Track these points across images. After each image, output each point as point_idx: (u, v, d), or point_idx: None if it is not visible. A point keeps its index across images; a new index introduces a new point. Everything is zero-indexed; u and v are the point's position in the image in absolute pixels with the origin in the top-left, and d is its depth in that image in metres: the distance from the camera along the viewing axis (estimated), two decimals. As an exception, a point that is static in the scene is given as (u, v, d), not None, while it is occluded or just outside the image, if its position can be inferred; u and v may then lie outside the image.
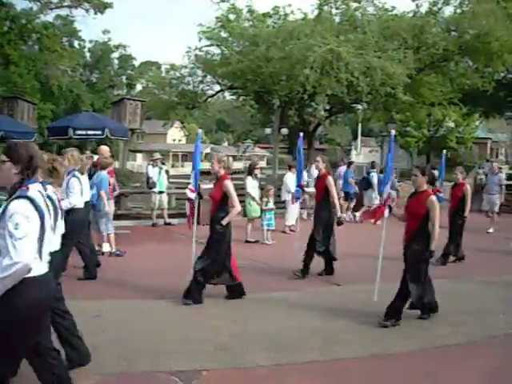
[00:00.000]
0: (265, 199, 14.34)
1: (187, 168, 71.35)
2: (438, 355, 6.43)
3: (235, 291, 8.54)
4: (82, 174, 9.48)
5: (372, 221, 9.37)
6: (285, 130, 31.51)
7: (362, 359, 6.28)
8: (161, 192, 16.60)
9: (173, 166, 64.26)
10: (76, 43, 76.62)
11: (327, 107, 24.09)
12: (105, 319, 7.37)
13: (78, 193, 9.15)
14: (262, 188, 15.21)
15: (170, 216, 17.28)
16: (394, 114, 28.99)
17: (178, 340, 6.64)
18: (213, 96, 32.32)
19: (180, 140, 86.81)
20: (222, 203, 8.30)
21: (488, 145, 48.71)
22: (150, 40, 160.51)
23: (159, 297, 8.29)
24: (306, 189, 12.35)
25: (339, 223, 10.46)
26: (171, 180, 21.07)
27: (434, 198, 7.29)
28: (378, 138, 44.18)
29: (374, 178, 19.20)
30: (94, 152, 19.01)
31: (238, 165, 77.74)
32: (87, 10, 20.45)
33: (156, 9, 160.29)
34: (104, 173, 11.77)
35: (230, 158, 8.88)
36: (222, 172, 8.40)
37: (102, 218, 11.70)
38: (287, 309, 8.09)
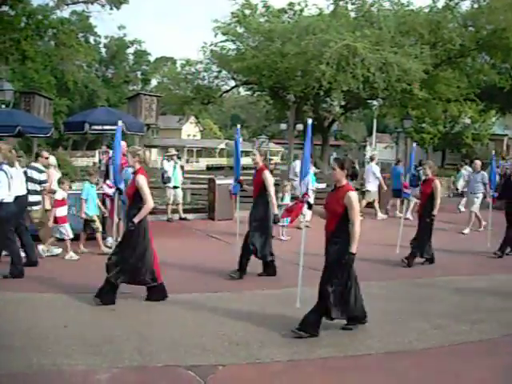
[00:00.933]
0: (280, 195, 14.30)
1: (202, 163, 71.55)
2: (454, 353, 6.40)
3: (156, 293, 8.01)
4: (12, 167, 9.32)
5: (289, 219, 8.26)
6: (300, 126, 31.47)
7: (378, 356, 6.25)
8: (175, 187, 16.60)
9: (188, 162, 64.38)
10: (92, 39, 76.99)
11: (343, 103, 24.06)
12: (120, 313, 7.40)
13: (6, 186, 8.97)
14: (277, 184, 15.09)
15: (185, 211, 17.30)
16: (410, 110, 28.87)
17: (194, 335, 6.65)
18: (228, 91, 32.40)
19: (195, 135, 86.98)
20: (135, 199, 7.84)
21: (504, 141, 48.19)
22: (165, 35, 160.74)
23: (173, 291, 8.28)
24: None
25: (275, 221, 9.74)
26: (186, 175, 21.12)
27: (352, 193, 6.51)
28: (393, 134, 43.96)
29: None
30: (110, 147, 19.09)
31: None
32: (103, 6, 20.54)
33: (172, 4, 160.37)
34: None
35: (147, 152, 8.54)
36: (138, 166, 7.97)
37: None
38: (302, 304, 8.03)
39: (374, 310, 7.66)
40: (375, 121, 30.38)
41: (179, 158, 17.48)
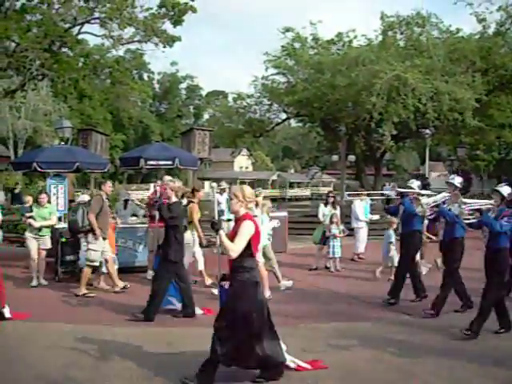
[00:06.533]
0: (330, 226, 14.19)
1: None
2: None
3: None
4: None
5: None
6: (352, 157, 31.44)
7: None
8: (229, 220, 16.72)
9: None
10: (145, 75, 79.10)
11: (394, 133, 23.95)
12: (174, 346, 7.49)
13: None
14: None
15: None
16: (463, 137, 28.55)
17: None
18: (279, 124, 32.66)
19: (247, 167, 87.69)
20: None
21: None
22: (216, 69, 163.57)
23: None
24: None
25: None
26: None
27: None
28: (446, 162, 43.43)
29: None
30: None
31: (306, 192, 78.01)
32: (156, 44, 21.07)
33: (222, 39, 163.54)
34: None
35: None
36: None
37: None
38: (359, 339, 7.93)
39: (434, 344, 7.58)
40: (427, 150, 30.13)
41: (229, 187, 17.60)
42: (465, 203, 8.55)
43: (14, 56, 19.40)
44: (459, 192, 9.46)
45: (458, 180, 9.60)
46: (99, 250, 10.86)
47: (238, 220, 6.23)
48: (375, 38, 27.26)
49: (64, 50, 21.09)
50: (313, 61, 26.74)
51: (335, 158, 35.89)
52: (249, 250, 6.03)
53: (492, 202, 8.29)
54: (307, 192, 78.22)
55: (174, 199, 9.32)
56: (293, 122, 36.95)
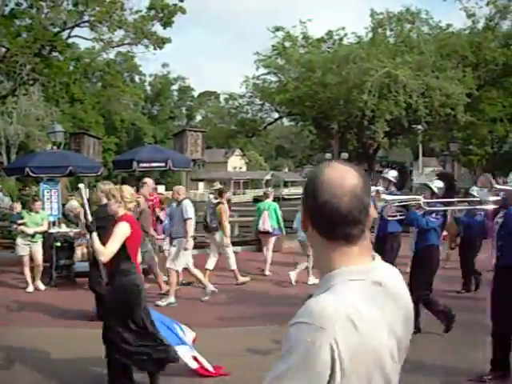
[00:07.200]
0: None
1: (249, 195, 71.90)
2: None
3: None
4: None
5: None
6: (345, 155, 31.47)
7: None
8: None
9: (234, 194, 64.77)
10: (137, 78, 79.07)
11: (387, 129, 24.03)
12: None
13: None
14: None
15: (234, 244, 17.37)
16: (455, 133, 28.64)
17: (244, 369, 6.55)
18: (271, 123, 32.74)
19: (241, 167, 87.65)
20: None
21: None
22: (207, 69, 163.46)
23: (230, 325, 8.32)
24: None
25: None
26: (233, 208, 21.26)
27: None
28: (439, 157, 43.50)
29: None
30: (158, 183, 19.46)
31: (301, 190, 77.84)
32: (147, 46, 21.09)
33: (213, 39, 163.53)
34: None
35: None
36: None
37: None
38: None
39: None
40: (420, 145, 30.21)
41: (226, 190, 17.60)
42: (387, 200, 7.84)
43: (4, 61, 19.37)
44: (394, 186, 9.04)
45: (392, 174, 9.10)
46: (145, 249, 10.91)
47: (116, 221, 5.91)
48: (365, 35, 27.39)
49: (54, 54, 21.09)
50: (303, 59, 26.81)
51: (328, 155, 35.84)
52: (124, 253, 5.71)
53: (421, 197, 7.88)
54: (302, 190, 77.99)
55: (104, 201, 9.24)
56: (285, 121, 37.09)
